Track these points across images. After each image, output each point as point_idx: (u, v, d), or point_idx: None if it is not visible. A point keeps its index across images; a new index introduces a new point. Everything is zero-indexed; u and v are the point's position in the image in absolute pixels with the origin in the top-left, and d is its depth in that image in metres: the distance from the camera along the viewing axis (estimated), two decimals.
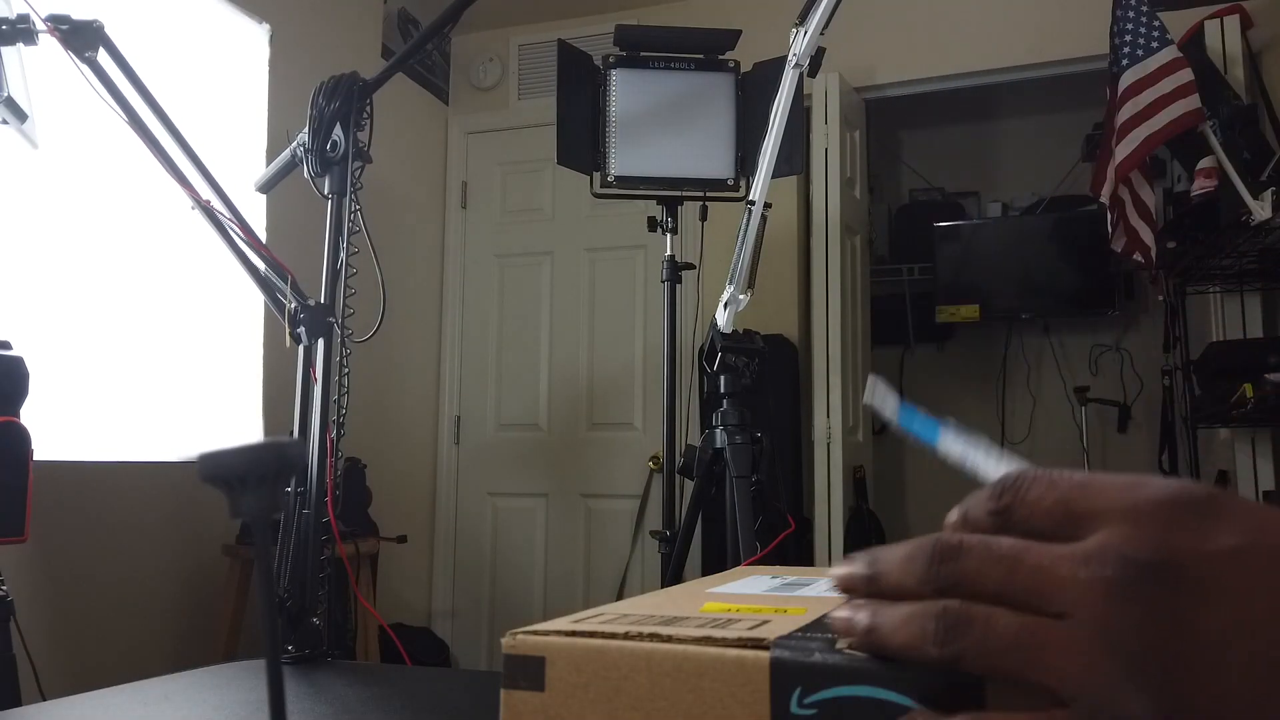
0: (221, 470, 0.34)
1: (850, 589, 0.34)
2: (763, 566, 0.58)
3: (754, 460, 2.00)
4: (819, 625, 0.35)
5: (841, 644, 0.32)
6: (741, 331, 2.13)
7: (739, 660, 0.32)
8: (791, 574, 0.53)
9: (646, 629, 0.34)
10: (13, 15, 1.41)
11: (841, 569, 0.35)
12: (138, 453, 2.58)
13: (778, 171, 2.05)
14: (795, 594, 0.44)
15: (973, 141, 4.61)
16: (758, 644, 0.33)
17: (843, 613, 0.33)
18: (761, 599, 0.43)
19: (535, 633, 0.36)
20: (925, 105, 4.20)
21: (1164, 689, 0.28)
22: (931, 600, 0.31)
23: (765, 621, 0.36)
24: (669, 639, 0.34)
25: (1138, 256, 3.01)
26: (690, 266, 2.63)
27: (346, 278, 1.39)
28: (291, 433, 1.36)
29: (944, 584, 0.31)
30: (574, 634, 0.35)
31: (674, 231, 2.64)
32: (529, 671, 0.35)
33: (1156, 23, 2.90)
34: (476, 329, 4.15)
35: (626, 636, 0.34)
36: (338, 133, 1.38)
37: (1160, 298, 3.39)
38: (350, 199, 1.39)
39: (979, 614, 0.30)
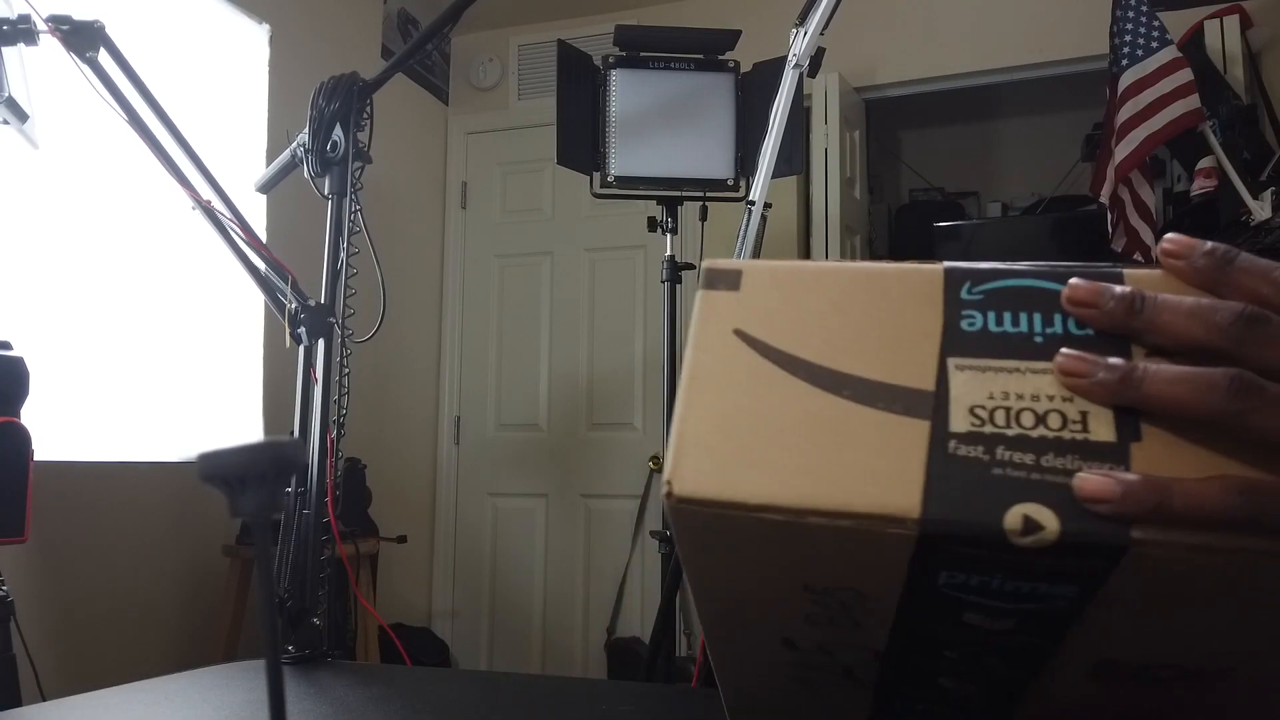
0: (221, 470, 0.34)
1: (1092, 304, 0.34)
2: None
3: None
4: None
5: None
6: None
7: (918, 269, 0.38)
8: None
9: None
10: (13, 15, 1.41)
11: (1079, 281, 0.34)
12: (138, 453, 2.58)
13: (778, 171, 2.04)
14: None
15: (973, 141, 4.61)
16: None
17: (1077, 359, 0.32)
18: None
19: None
20: (925, 105, 4.20)
21: None
22: (1219, 365, 0.30)
23: None
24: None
25: (1138, 257, 3.01)
26: (690, 266, 2.63)
27: (346, 278, 1.39)
28: (291, 433, 1.35)
29: (1247, 342, 0.31)
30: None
31: (674, 231, 2.64)
32: (727, 278, 0.40)
33: (1156, 23, 2.90)
34: (476, 329, 4.15)
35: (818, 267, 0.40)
36: (338, 133, 1.38)
37: None
38: (350, 199, 1.39)
39: (1273, 389, 0.30)
